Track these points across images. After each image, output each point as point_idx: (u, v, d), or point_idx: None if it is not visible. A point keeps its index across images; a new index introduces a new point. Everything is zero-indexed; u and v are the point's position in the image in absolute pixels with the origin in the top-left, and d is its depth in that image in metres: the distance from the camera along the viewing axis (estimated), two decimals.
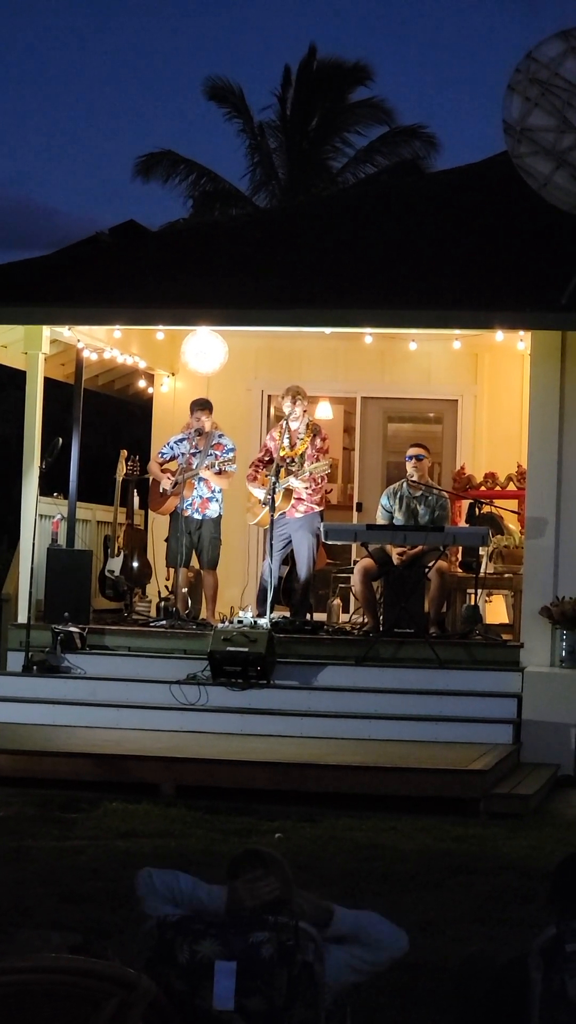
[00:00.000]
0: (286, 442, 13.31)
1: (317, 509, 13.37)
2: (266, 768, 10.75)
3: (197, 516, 13.48)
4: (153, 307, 13.29)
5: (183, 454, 13.55)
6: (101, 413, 20.81)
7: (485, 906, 7.82)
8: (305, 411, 13.40)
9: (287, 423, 13.34)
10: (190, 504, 13.45)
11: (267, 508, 13.04)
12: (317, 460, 13.22)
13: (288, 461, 13.20)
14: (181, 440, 13.68)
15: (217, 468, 13.36)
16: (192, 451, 13.50)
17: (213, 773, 10.72)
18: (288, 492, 13.19)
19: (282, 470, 13.12)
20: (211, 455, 13.44)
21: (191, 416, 13.60)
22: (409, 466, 13.32)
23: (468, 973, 5.11)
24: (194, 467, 13.44)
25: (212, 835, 9.35)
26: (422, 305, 12.88)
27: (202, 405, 13.60)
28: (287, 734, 11.87)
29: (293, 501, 13.22)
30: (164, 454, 13.79)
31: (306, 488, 13.20)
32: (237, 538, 14.60)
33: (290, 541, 13.37)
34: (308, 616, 13.50)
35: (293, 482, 13.12)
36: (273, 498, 12.97)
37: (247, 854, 4.90)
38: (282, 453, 13.26)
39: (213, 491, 13.50)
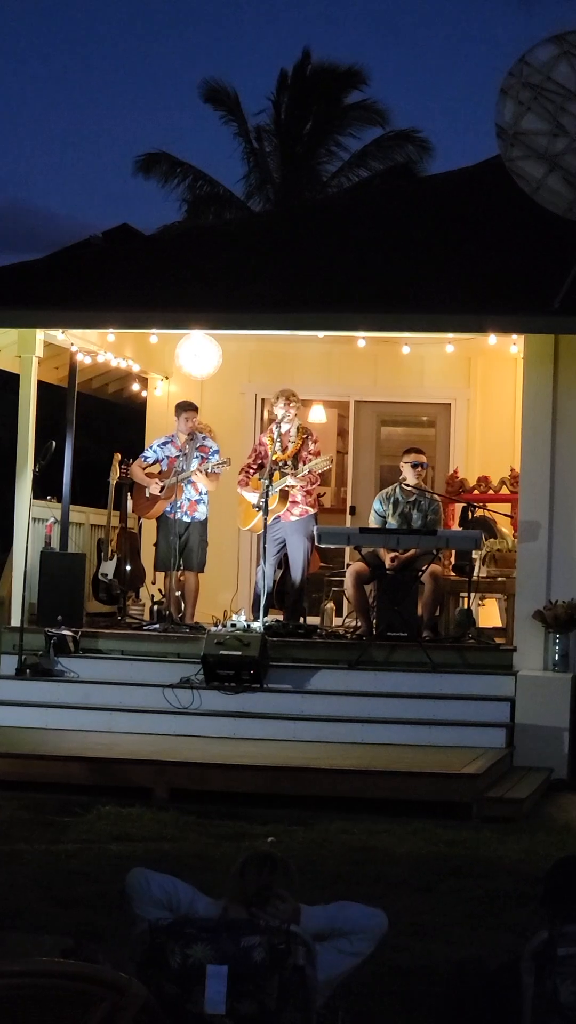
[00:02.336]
0: (277, 446, 13.31)
1: (311, 512, 13.37)
2: (259, 772, 10.75)
3: (186, 519, 13.47)
4: (146, 310, 13.29)
5: (167, 457, 13.56)
6: (95, 416, 20.80)
7: (478, 910, 7.82)
8: (296, 414, 13.39)
9: (278, 426, 13.32)
10: (178, 507, 13.45)
11: (261, 513, 13.04)
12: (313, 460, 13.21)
13: (281, 464, 13.19)
14: (165, 443, 13.69)
15: (209, 469, 13.36)
16: (176, 454, 13.51)
17: (206, 777, 10.72)
18: (284, 494, 13.18)
19: (275, 473, 13.12)
20: (198, 457, 13.44)
21: (178, 419, 13.61)
22: (412, 473, 13.22)
23: (460, 977, 5.11)
24: (181, 470, 13.43)
25: (205, 839, 9.35)
26: (415, 308, 12.88)
27: (190, 406, 13.62)
28: (280, 738, 11.87)
29: (288, 504, 13.21)
30: (148, 458, 13.77)
31: (302, 487, 13.17)
32: (228, 542, 14.59)
33: (284, 544, 13.36)
34: (302, 620, 13.49)
35: (290, 481, 13.11)
36: (266, 503, 12.96)
37: (260, 856, 4.89)
38: (274, 457, 13.25)
39: (201, 493, 13.51)
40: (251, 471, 13.38)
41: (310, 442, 13.32)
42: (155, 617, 13.61)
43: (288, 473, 13.12)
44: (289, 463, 13.19)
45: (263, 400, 15.53)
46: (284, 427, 13.28)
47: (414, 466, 13.24)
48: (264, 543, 13.07)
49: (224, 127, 32.12)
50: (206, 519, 13.57)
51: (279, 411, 13.26)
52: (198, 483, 13.44)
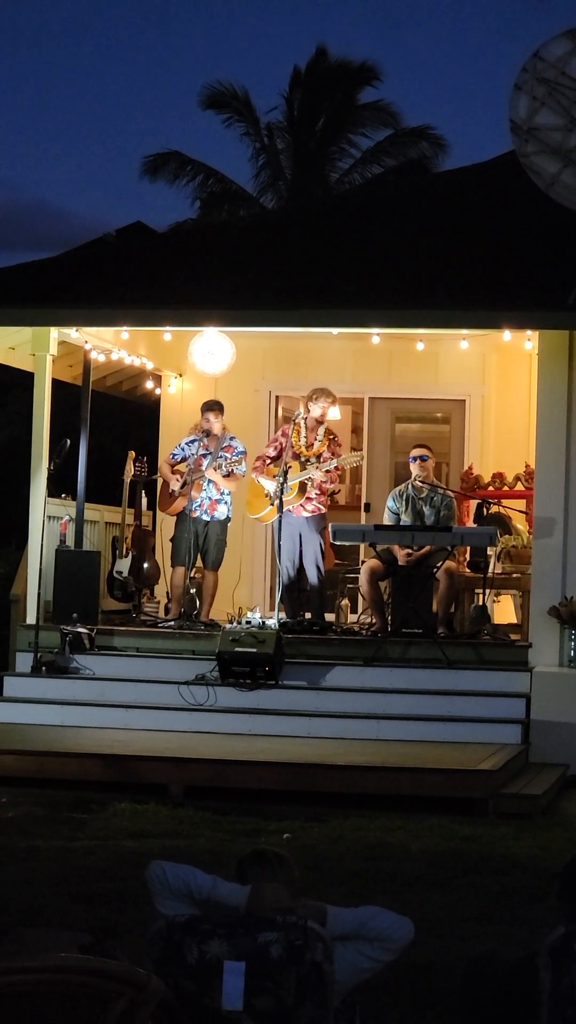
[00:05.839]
0: (303, 440, 13.32)
1: (323, 510, 13.38)
2: (274, 768, 10.75)
3: (205, 517, 13.47)
4: (160, 308, 13.30)
5: (193, 455, 13.53)
6: (109, 414, 20.80)
7: (494, 906, 7.82)
8: (325, 415, 13.42)
9: (304, 421, 13.33)
10: (198, 505, 13.45)
11: (272, 503, 13.05)
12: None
13: (304, 460, 13.22)
14: (193, 441, 13.64)
15: (225, 470, 13.34)
16: (203, 453, 13.49)
17: (221, 773, 10.73)
18: (302, 487, 13.18)
19: (293, 467, 13.13)
20: (221, 457, 13.42)
21: (201, 417, 13.59)
22: (414, 467, 13.32)
23: (477, 973, 5.11)
24: (203, 468, 13.43)
25: (221, 835, 9.36)
26: (430, 305, 12.87)
27: (212, 406, 13.59)
28: (295, 734, 11.88)
29: (303, 499, 13.21)
30: (176, 455, 13.76)
31: (319, 482, 13.18)
32: (237, 537, 14.54)
33: (300, 539, 13.33)
34: (323, 616, 13.47)
35: (315, 473, 13.10)
36: (281, 498, 12.96)
37: (254, 855, 4.90)
38: (297, 451, 13.24)
39: (222, 493, 13.48)
40: (268, 460, 13.36)
41: (335, 444, 13.37)
42: (170, 614, 13.64)
43: (313, 465, 13.14)
44: (313, 460, 13.22)
45: (277, 397, 15.54)
46: (312, 422, 13.32)
47: (413, 460, 13.31)
48: (278, 539, 13.08)
49: (228, 129, 32.07)
50: (226, 519, 13.55)
51: (316, 410, 13.28)
52: (219, 483, 13.42)
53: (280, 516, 13.01)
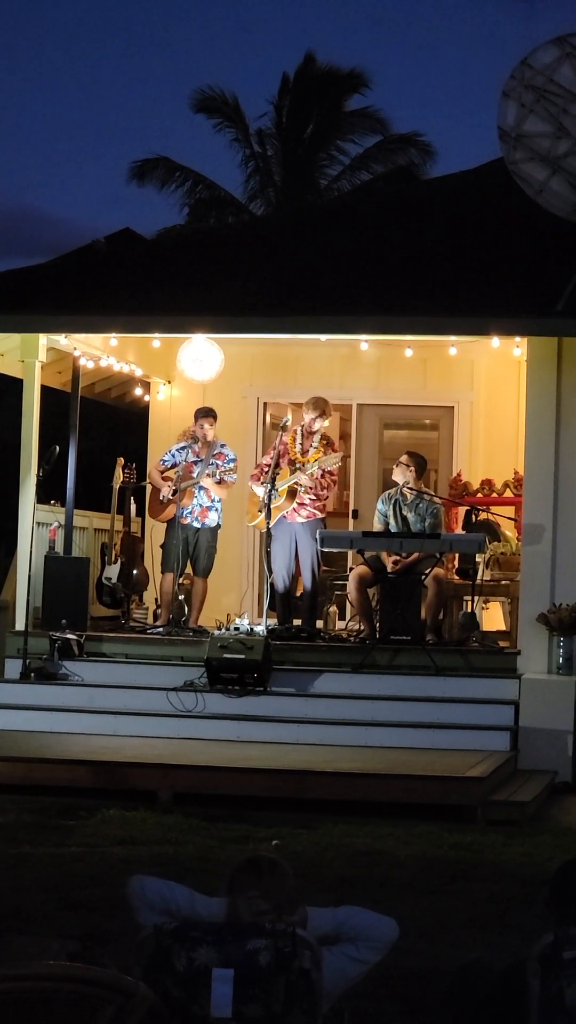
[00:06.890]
0: (299, 447, 13.35)
1: (319, 516, 13.38)
2: (263, 775, 10.75)
3: (196, 524, 13.48)
4: (149, 315, 13.30)
5: (183, 462, 13.53)
6: (98, 421, 20.80)
7: (482, 913, 7.82)
8: (322, 423, 13.45)
9: (301, 428, 13.38)
10: (189, 512, 13.45)
11: (263, 513, 13.06)
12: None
13: (297, 465, 13.25)
14: (183, 448, 13.64)
15: (218, 478, 13.35)
16: (193, 459, 13.49)
17: (210, 780, 10.72)
18: (292, 492, 13.19)
19: (280, 473, 13.15)
20: (212, 464, 13.43)
21: (195, 424, 13.60)
22: (396, 472, 13.37)
23: (466, 980, 5.11)
24: (195, 475, 13.43)
25: (209, 842, 9.35)
26: (418, 311, 12.88)
27: (207, 413, 13.60)
28: (284, 741, 11.88)
29: (295, 505, 13.22)
30: (165, 461, 13.76)
31: (311, 489, 13.19)
32: (232, 545, 14.57)
33: (295, 546, 13.33)
34: (313, 623, 13.47)
35: (302, 479, 13.13)
36: (269, 506, 12.97)
37: (247, 862, 4.89)
38: (290, 446, 13.27)
39: (213, 500, 13.49)
40: (267, 468, 13.37)
41: (331, 449, 13.39)
42: (159, 620, 13.64)
43: (299, 470, 13.17)
44: (305, 465, 13.25)
45: (265, 404, 15.55)
46: (310, 429, 13.36)
47: (396, 465, 13.34)
48: (267, 546, 13.09)
49: (219, 135, 32.11)
50: (216, 526, 13.56)
51: (307, 417, 13.33)
52: (210, 490, 13.43)
53: (268, 524, 13.02)
